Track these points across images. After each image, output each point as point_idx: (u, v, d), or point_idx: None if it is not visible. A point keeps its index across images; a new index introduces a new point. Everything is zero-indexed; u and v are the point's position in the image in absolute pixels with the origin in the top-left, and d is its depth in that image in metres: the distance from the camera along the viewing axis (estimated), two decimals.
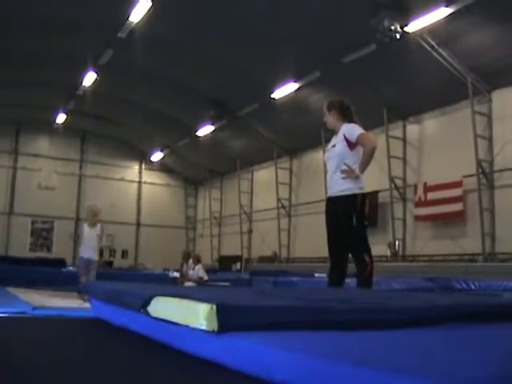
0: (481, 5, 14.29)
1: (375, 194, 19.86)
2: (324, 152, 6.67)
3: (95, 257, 9.72)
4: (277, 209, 27.15)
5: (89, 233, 9.73)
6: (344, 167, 5.90)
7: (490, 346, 1.90)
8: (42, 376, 1.92)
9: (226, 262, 29.24)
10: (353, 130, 6.00)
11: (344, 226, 5.90)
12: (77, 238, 9.84)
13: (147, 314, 2.45)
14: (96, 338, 2.92)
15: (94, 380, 1.88)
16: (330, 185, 6.11)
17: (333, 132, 6.38)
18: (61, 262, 14.27)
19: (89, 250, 9.65)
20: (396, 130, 20.95)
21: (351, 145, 5.96)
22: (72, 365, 2.11)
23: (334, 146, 6.11)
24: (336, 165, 5.99)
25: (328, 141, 6.60)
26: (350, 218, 5.84)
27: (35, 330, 3.06)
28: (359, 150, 6.02)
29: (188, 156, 33.30)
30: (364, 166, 5.91)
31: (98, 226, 9.86)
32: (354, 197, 5.89)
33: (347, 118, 6.17)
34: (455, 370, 1.38)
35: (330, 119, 6.23)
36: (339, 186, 5.94)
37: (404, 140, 21.01)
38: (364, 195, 5.99)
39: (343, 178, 5.90)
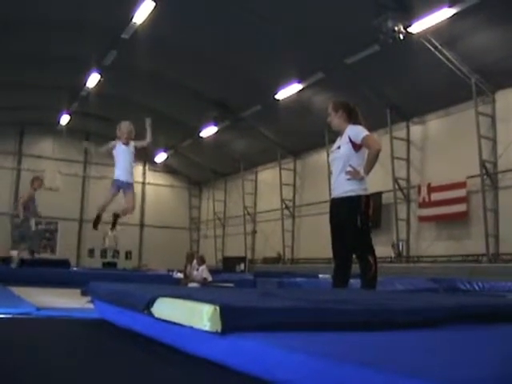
0: (484, 5, 14.28)
1: (379, 194, 19.86)
2: (328, 153, 6.68)
3: (132, 179, 8.95)
4: (281, 210, 27.16)
5: (124, 151, 8.78)
6: (349, 169, 5.90)
7: (494, 347, 1.90)
8: (45, 377, 1.92)
9: (229, 263, 29.26)
10: (358, 131, 6.00)
11: (348, 227, 5.90)
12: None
13: (151, 314, 2.45)
14: (100, 338, 2.92)
15: (97, 381, 1.88)
16: (335, 186, 6.11)
17: (337, 133, 6.38)
18: (65, 263, 14.30)
19: (126, 172, 8.81)
20: (399, 130, 20.94)
21: (356, 146, 5.97)
22: (75, 366, 2.11)
23: (338, 147, 6.11)
24: (341, 166, 5.99)
25: (332, 142, 6.61)
26: (355, 220, 5.84)
27: (39, 331, 3.07)
28: (364, 152, 6.03)
29: (192, 157, 33.33)
30: (369, 167, 5.92)
31: (132, 143, 8.98)
32: (358, 198, 5.89)
33: (353, 119, 6.17)
34: (458, 371, 1.38)
35: (336, 120, 6.22)
36: (344, 188, 5.94)
37: (408, 141, 21.01)
38: (368, 196, 6.00)
39: (348, 180, 5.91)
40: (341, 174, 5.98)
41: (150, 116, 9.12)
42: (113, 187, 8.82)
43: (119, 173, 8.77)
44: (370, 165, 5.93)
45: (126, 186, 8.72)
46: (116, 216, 9.01)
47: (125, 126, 8.89)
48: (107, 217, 9.27)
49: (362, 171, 5.89)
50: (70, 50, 21.47)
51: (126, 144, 8.81)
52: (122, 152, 8.76)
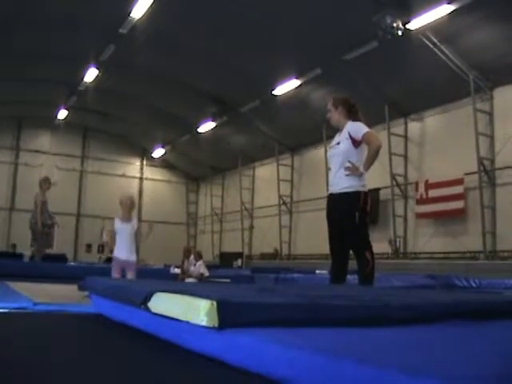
0: (483, 2, 14.28)
1: (376, 191, 19.87)
2: (325, 149, 6.68)
3: (133, 257, 8.34)
4: (278, 205, 27.17)
5: (123, 228, 8.29)
6: (348, 165, 5.90)
7: (491, 344, 1.90)
8: (42, 372, 1.92)
9: (226, 259, 29.29)
10: (358, 128, 6.01)
11: (346, 223, 5.90)
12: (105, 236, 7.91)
13: (148, 309, 2.45)
14: (97, 333, 2.92)
15: (94, 376, 1.87)
16: (334, 182, 6.11)
17: (335, 129, 6.39)
18: (62, 258, 14.31)
19: (125, 250, 8.25)
20: (397, 127, 20.95)
21: (356, 143, 5.98)
22: (73, 360, 2.11)
23: (338, 143, 6.11)
24: (340, 162, 5.99)
25: (329, 138, 6.61)
26: (353, 216, 5.85)
27: (36, 326, 3.06)
28: (363, 148, 6.04)
29: (189, 152, 33.33)
30: (369, 164, 5.93)
31: (134, 220, 8.54)
32: (357, 194, 5.90)
33: (352, 115, 6.18)
34: (456, 367, 1.37)
35: (336, 116, 6.22)
36: (343, 183, 5.94)
37: (405, 137, 21.02)
38: (366, 193, 6.00)
39: (347, 176, 5.91)
40: (340, 170, 5.98)
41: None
42: (114, 268, 8.30)
43: (117, 249, 8.29)
44: (370, 161, 5.93)
45: (126, 265, 8.21)
46: None
47: (124, 200, 8.48)
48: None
49: (361, 168, 5.90)
50: (68, 44, 21.43)
51: (127, 221, 8.37)
52: (120, 230, 8.30)
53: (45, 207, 12.13)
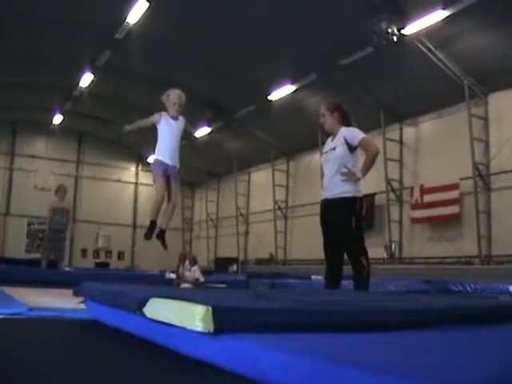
0: (478, 8, 14.31)
1: (372, 196, 19.87)
2: (321, 154, 6.68)
3: (179, 164, 7.04)
4: (273, 211, 27.14)
5: (172, 127, 7.06)
6: (345, 170, 5.92)
7: (487, 349, 1.90)
8: (37, 378, 1.91)
9: (222, 264, 29.21)
10: (355, 133, 6.04)
11: (343, 228, 5.91)
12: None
13: (143, 315, 2.45)
14: (92, 339, 2.91)
15: (89, 381, 1.87)
16: (329, 187, 6.11)
17: (328, 134, 6.41)
18: (57, 263, 14.26)
19: (173, 153, 6.95)
20: (393, 132, 20.97)
21: (351, 148, 6.00)
22: (68, 366, 2.10)
23: (333, 148, 6.12)
24: (336, 167, 6.01)
25: (324, 143, 6.61)
26: (350, 221, 5.86)
27: (31, 332, 3.06)
28: (358, 154, 6.07)
29: (185, 158, 32.80)
30: (366, 169, 5.96)
31: (183, 119, 7.33)
32: (353, 199, 5.92)
33: (345, 121, 6.21)
34: (452, 372, 1.38)
35: (331, 121, 6.25)
36: (339, 189, 5.95)
37: (401, 142, 21.04)
38: (362, 198, 6.02)
39: (343, 181, 5.92)
40: (336, 175, 5.99)
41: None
42: (158, 173, 6.82)
43: (165, 153, 6.87)
44: (367, 167, 5.96)
45: (173, 172, 6.90)
46: (159, 231, 7.02)
47: (176, 95, 7.37)
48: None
49: (358, 173, 5.92)
50: (63, 49, 21.40)
51: (176, 118, 7.19)
52: (170, 127, 7.03)
53: (56, 214, 12.51)
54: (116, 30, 18.86)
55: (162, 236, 7.01)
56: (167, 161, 6.82)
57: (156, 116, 7.18)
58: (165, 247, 7.11)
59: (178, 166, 7.00)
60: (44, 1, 18.37)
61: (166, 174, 6.80)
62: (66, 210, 12.97)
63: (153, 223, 6.92)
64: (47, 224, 12.72)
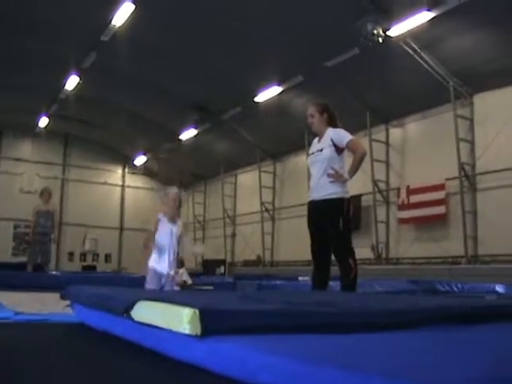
0: (463, 9, 14.38)
1: (358, 197, 19.92)
2: (307, 155, 6.68)
3: (173, 270, 6.74)
4: (260, 212, 27.14)
5: (170, 230, 6.60)
6: (331, 171, 5.93)
7: (475, 348, 1.91)
8: (24, 382, 1.90)
9: (209, 266, 29.18)
10: (342, 135, 6.06)
11: (330, 229, 5.92)
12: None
13: (130, 318, 2.44)
14: (79, 342, 2.90)
15: None
16: (316, 188, 6.12)
17: (315, 134, 6.42)
18: (43, 267, 14.19)
19: (167, 260, 6.62)
20: (379, 133, 21.03)
21: (339, 150, 6.02)
22: (55, 370, 2.09)
23: (320, 150, 6.13)
24: (324, 169, 6.02)
25: (311, 145, 6.62)
26: (337, 222, 5.87)
27: (17, 336, 3.04)
28: (345, 155, 6.08)
29: (171, 160, 33.21)
30: (354, 171, 5.99)
31: (179, 222, 6.90)
32: (341, 201, 5.93)
33: (332, 122, 6.23)
34: (441, 372, 1.38)
35: (320, 122, 6.26)
36: (326, 190, 5.97)
37: (387, 143, 21.10)
38: (349, 199, 6.04)
39: (330, 182, 5.93)
40: (323, 177, 6.01)
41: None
42: (151, 281, 6.56)
43: (157, 258, 6.60)
44: (354, 168, 5.99)
45: (168, 280, 6.64)
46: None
47: (174, 193, 6.97)
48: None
49: (345, 174, 5.93)
50: (48, 51, 21.30)
51: (173, 221, 6.74)
52: (167, 229, 6.59)
53: (41, 217, 12.64)
54: (102, 32, 18.78)
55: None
56: (161, 269, 6.68)
57: (156, 220, 6.78)
58: None
59: (172, 271, 6.76)
60: (30, 2, 18.27)
61: (160, 282, 6.58)
62: (50, 213, 13.00)
63: None
64: (31, 227, 12.76)
